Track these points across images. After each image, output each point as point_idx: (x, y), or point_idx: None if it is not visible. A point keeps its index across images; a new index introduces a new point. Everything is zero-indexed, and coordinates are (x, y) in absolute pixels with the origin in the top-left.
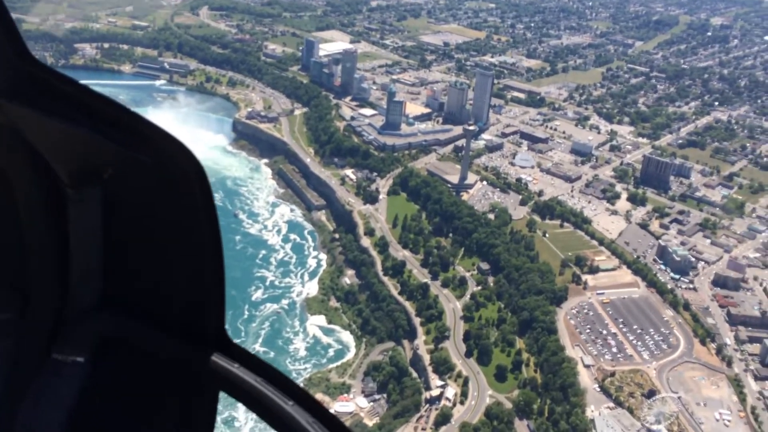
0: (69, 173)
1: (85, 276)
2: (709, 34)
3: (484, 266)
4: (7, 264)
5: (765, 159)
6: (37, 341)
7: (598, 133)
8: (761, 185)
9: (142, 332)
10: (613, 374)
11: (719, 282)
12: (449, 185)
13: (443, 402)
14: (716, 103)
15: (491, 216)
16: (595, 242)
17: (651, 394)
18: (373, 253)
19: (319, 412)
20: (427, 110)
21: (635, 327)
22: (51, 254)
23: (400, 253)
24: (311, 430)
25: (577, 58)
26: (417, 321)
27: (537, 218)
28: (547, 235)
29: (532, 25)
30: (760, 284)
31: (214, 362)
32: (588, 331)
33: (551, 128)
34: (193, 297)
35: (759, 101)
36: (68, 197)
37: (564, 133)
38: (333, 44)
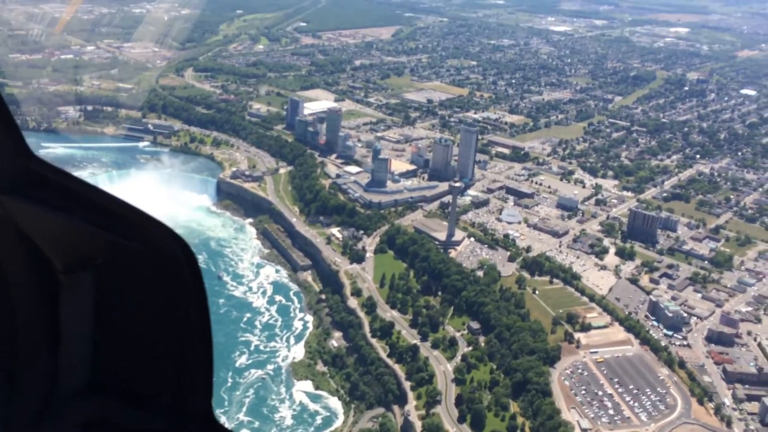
0: (63, 261)
1: (75, 360)
2: (687, 88)
3: (475, 325)
4: None
5: (749, 211)
6: (24, 425)
7: (583, 187)
8: (748, 237)
9: (129, 415)
10: None
11: (713, 338)
12: (437, 242)
13: None
14: (698, 156)
15: (480, 273)
16: (585, 298)
17: None
18: (361, 314)
19: None
20: (413, 167)
21: (631, 387)
22: (41, 339)
23: (388, 313)
24: None
25: (558, 113)
26: (407, 385)
27: (526, 275)
28: (537, 292)
29: (513, 81)
30: (755, 339)
31: None
32: (583, 392)
33: (536, 183)
34: (181, 380)
35: (739, 153)
36: (61, 283)
37: (549, 187)
38: (317, 103)
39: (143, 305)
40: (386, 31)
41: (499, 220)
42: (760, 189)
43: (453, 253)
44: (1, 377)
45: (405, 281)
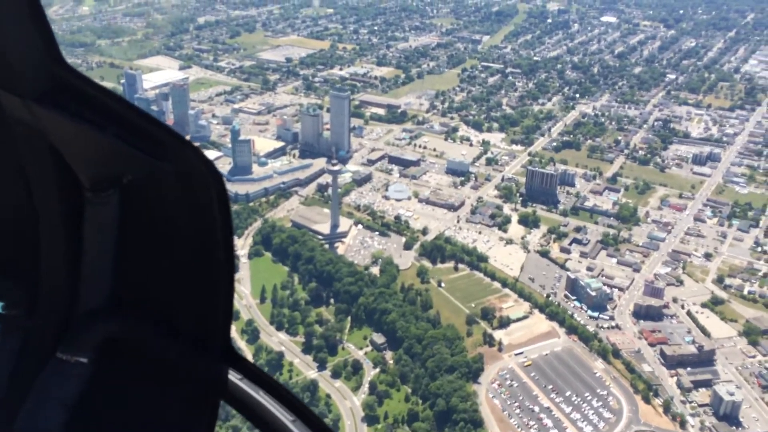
0: (89, 176)
1: (97, 277)
2: (550, 21)
3: (379, 339)
4: (20, 261)
5: (640, 152)
6: (43, 339)
7: (470, 145)
8: (646, 183)
9: (148, 336)
10: None
11: (640, 313)
12: (320, 237)
13: None
14: (578, 96)
15: (376, 270)
16: (497, 284)
17: None
18: (241, 343)
19: (321, 428)
20: (280, 143)
21: (568, 393)
22: (64, 254)
23: (274, 338)
24: None
25: (429, 60)
26: None
27: (427, 263)
28: (443, 285)
29: (376, 28)
30: (682, 306)
31: (219, 372)
32: (517, 410)
33: (420, 146)
34: (203, 306)
35: (617, 88)
36: (86, 199)
37: (435, 150)
38: (160, 73)
39: (169, 228)
40: None
41: (387, 197)
42: (645, 126)
43: (341, 248)
44: (23, 291)
45: (290, 291)
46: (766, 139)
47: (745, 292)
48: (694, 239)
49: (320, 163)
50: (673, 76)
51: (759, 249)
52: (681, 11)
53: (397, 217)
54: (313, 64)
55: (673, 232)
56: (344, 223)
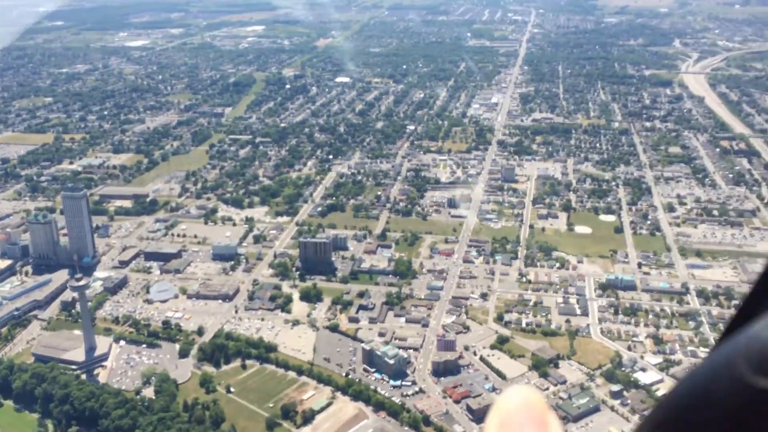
0: None
1: None
2: (288, 86)
3: None
4: None
5: (401, 203)
6: None
7: (234, 225)
8: (413, 234)
9: None
10: None
11: (439, 370)
12: (74, 367)
13: None
14: (331, 157)
15: (150, 392)
16: (292, 373)
17: None
18: None
19: None
20: (6, 262)
21: None
22: None
23: None
24: None
25: (172, 140)
26: None
27: (210, 368)
28: (232, 390)
29: (106, 113)
30: (474, 353)
31: None
32: None
33: (179, 235)
34: None
35: (365, 144)
36: None
37: (196, 236)
38: None
39: None
40: None
41: (149, 301)
42: (399, 178)
43: (102, 375)
44: None
45: None
46: (503, 175)
47: (524, 325)
48: (468, 281)
49: (61, 276)
50: (412, 127)
51: (524, 279)
52: (404, 66)
53: (166, 322)
54: (37, 161)
55: (449, 279)
56: (102, 343)
